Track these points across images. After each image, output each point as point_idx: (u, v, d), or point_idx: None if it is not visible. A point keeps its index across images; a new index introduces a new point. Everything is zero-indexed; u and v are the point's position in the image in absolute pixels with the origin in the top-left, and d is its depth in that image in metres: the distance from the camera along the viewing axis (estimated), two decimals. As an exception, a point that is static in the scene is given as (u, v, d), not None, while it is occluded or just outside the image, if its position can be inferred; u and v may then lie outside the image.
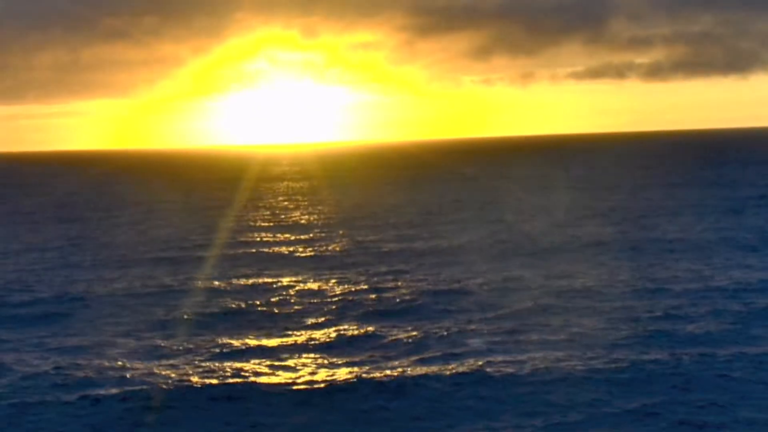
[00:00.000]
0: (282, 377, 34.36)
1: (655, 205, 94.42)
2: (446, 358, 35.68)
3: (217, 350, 38.32)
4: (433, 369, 34.27)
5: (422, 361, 35.43)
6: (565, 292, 47.86)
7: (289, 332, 41.21)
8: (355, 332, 40.56)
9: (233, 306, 47.42)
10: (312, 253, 66.41)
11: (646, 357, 35.25)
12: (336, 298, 48.49)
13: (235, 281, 55.00)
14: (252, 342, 39.62)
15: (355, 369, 34.90)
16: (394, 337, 39.25)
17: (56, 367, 35.93)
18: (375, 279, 53.95)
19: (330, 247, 69.26)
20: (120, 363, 36.40)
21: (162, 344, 39.41)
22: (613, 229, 74.15)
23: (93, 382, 34.05)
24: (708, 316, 41.66)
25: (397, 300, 47.34)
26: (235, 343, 39.46)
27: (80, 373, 35.07)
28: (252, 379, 34.24)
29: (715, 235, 68.45)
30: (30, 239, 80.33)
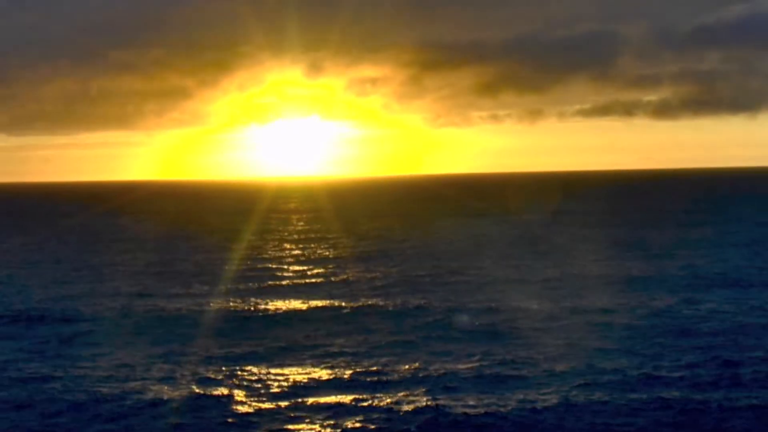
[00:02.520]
0: (297, 414, 33.37)
1: (679, 240, 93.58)
2: (467, 397, 34.65)
3: (227, 379, 37.66)
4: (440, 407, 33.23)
5: (453, 398, 34.39)
6: (602, 329, 46.87)
7: (310, 363, 40.28)
8: (366, 368, 39.44)
9: (245, 334, 46.82)
10: (329, 286, 65.54)
11: (695, 397, 34.17)
12: (352, 331, 47.49)
13: (249, 310, 54.32)
14: (267, 373, 38.70)
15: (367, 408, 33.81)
16: (423, 372, 38.22)
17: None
18: (398, 312, 52.98)
19: (346, 279, 68.33)
20: (132, 387, 35.91)
21: (172, 372, 38.65)
22: (641, 264, 73.25)
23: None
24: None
25: (428, 334, 46.33)
26: (245, 373, 38.63)
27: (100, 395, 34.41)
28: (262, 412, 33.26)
29: (744, 273, 67.54)
30: (43, 268, 79.74)
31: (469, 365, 39.22)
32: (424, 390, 35.49)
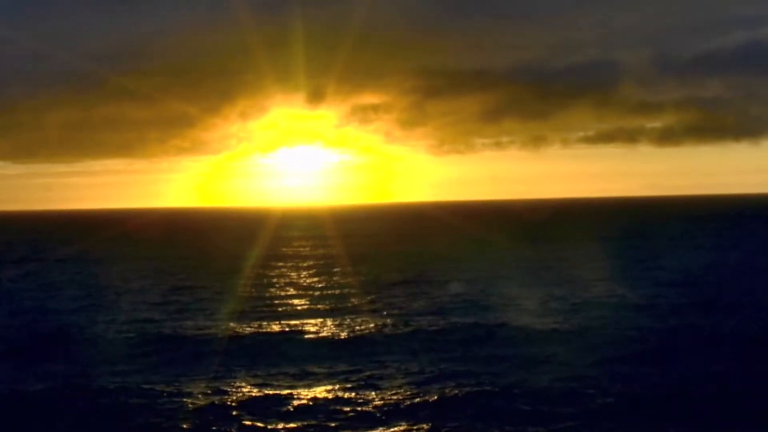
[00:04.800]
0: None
1: (686, 265, 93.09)
2: None
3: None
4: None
5: None
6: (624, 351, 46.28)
7: (325, 388, 39.68)
8: (387, 394, 38.80)
9: (261, 359, 46.53)
10: (346, 312, 64.95)
11: None
12: (370, 356, 46.89)
13: (264, 335, 54.05)
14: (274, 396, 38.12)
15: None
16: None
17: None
18: (418, 337, 52.35)
19: (362, 305, 67.70)
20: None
21: (194, 396, 38.19)
22: (651, 289, 72.77)
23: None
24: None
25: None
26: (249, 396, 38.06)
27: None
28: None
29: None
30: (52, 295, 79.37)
31: (496, 395, 38.41)
32: (446, 420, 34.86)
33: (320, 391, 39.44)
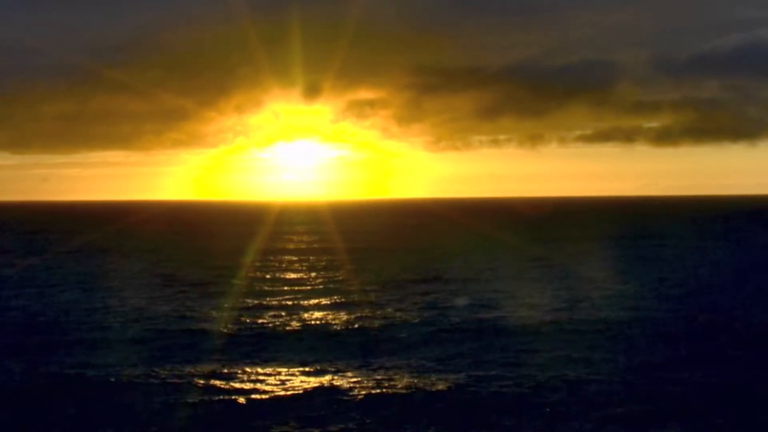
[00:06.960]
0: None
1: (682, 264, 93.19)
2: None
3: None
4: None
5: None
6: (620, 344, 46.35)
7: (326, 380, 39.70)
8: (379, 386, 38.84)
9: (257, 351, 46.53)
10: (347, 306, 64.96)
11: None
12: (365, 350, 46.79)
13: (263, 328, 53.83)
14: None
15: None
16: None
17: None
18: (421, 332, 52.40)
19: (363, 300, 67.73)
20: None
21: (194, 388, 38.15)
22: (647, 285, 72.82)
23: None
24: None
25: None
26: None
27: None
28: None
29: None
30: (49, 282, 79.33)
31: (500, 396, 38.36)
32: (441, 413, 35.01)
33: (324, 386, 39.38)
